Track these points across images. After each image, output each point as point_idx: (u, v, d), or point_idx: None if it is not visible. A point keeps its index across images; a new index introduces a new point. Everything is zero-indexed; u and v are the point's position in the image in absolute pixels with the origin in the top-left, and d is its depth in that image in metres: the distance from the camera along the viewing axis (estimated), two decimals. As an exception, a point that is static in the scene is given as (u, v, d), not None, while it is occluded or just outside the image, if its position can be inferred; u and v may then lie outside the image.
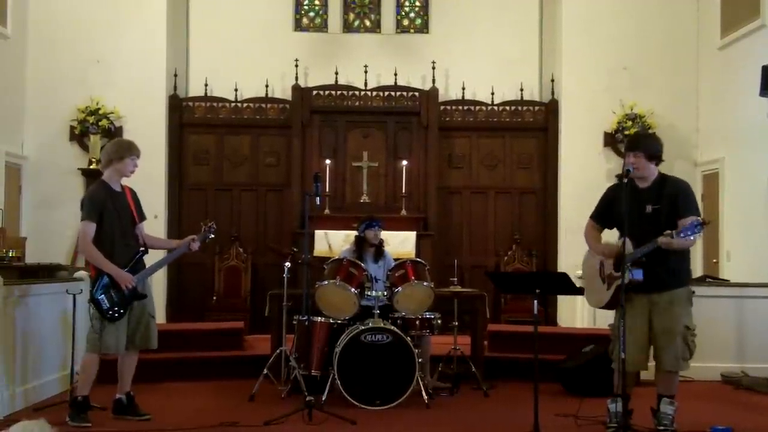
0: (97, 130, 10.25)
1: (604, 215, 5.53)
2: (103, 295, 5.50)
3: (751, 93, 8.63)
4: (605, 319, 5.76)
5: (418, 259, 7.05)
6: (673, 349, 5.16)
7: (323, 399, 6.08)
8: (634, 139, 5.60)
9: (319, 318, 6.63)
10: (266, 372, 6.71)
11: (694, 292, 5.40)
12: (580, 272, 5.81)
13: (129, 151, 5.74)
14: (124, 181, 5.85)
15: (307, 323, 6.34)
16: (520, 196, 11.11)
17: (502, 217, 11.08)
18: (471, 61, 11.17)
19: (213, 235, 6.02)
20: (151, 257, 5.86)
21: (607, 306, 5.39)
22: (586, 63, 10.68)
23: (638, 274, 5.11)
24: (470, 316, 7.43)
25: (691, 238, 4.97)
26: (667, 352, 5.17)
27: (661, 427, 5.22)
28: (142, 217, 5.87)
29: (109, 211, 5.60)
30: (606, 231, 5.60)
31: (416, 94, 10.98)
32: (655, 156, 5.32)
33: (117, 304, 5.52)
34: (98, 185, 5.74)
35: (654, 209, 5.23)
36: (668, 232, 4.99)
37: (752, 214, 9.09)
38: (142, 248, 5.74)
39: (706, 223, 4.99)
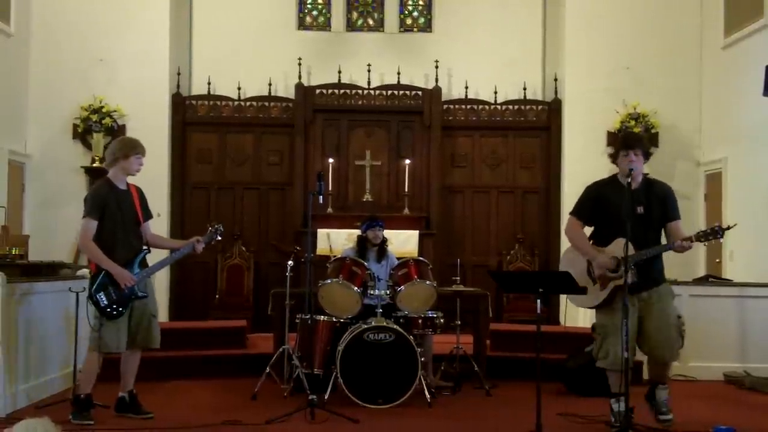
0: (100, 129, 10.26)
1: (590, 213, 5.51)
2: (101, 293, 5.50)
3: (754, 93, 8.63)
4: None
5: (420, 258, 7.03)
6: (671, 341, 5.33)
7: (326, 398, 6.08)
8: (632, 138, 5.60)
9: (322, 317, 6.63)
10: (269, 370, 6.72)
11: None
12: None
13: (134, 149, 5.73)
14: (131, 180, 5.86)
15: (309, 322, 6.34)
16: (523, 196, 11.10)
17: (504, 216, 11.08)
18: (474, 60, 11.16)
19: (219, 237, 5.96)
20: (155, 257, 5.87)
21: (598, 306, 5.43)
22: (589, 62, 10.67)
23: (634, 275, 5.20)
24: (473, 315, 7.42)
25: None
26: (666, 346, 5.33)
27: (661, 415, 5.37)
28: (148, 216, 5.86)
29: (112, 210, 5.59)
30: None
31: (419, 93, 10.98)
32: (649, 154, 5.43)
33: (115, 302, 5.51)
34: (102, 183, 5.74)
35: (645, 211, 5.32)
36: (686, 237, 5.16)
37: (755, 214, 9.07)
38: (144, 247, 5.74)
39: (730, 228, 5.20)
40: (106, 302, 5.50)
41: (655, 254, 5.23)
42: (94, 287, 5.52)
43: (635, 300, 5.26)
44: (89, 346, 5.62)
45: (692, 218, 9.84)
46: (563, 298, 10.23)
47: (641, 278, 5.22)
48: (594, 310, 5.64)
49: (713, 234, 5.11)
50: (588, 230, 5.59)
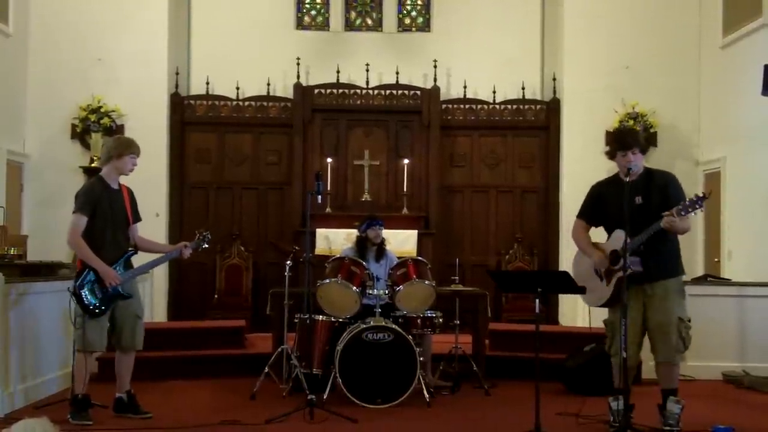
0: (98, 129, 10.25)
1: (593, 213, 5.53)
2: (85, 290, 5.49)
3: (753, 92, 8.62)
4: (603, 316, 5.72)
5: (419, 258, 7.03)
6: (668, 341, 5.23)
7: (324, 397, 6.08)
8: (628, 137, 5.48)
9: (321, 316, 6.63)
10: (267, 370, 6.71)
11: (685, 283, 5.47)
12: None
13: (129, 148, 5.71)
14: (125, 180, 5.85)
15: (308, 322, 6.34)
16: (522, 195, 11.11)
17: (503, 215, 11.08)
18: (473, 59, 11.16)
19: (207, 245, 6.00)
20: (142, 259, 5.86)
21: (608, 303, 5.38)
22: (588, 62, 10.67)
23: (637, 264, 5.17)
24: (471, 314, 7.41)
25: (692, 215, 5.09)
26: (662, 345, 5.25)
27: (667, 428, 5.24)
28: (137, 218, 5.85)
29: (103, 208, 5.58)
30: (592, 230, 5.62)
31: (418, 92, 10.98)
32: (646, 149, 5.38)
33: (99, 300, 5.50)
34: (95, 180, 5.74)
35: (644, 201, 5.27)
36: (667, 213, 5.03)
37: (754, 213, 9.08)
38: (131, 248, 5.74)
39: (707, 197, 5.07)
40: (89, 300, 5.49)
41: (648, 236, 5.09)
42: (79, 283, 5.51)
43: (639, 292, 5.23)
44: (76, 347, 5.60)
45: (690, 217, 9.82)
46: (562, 297, 10.29)
47: (645, 267, 5.18)
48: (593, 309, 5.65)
49: (692, 205, 5.02)
50: (602, 235, 5.56)
